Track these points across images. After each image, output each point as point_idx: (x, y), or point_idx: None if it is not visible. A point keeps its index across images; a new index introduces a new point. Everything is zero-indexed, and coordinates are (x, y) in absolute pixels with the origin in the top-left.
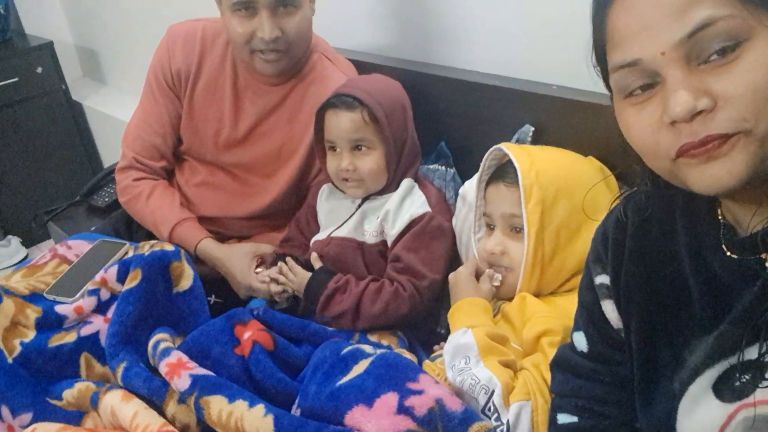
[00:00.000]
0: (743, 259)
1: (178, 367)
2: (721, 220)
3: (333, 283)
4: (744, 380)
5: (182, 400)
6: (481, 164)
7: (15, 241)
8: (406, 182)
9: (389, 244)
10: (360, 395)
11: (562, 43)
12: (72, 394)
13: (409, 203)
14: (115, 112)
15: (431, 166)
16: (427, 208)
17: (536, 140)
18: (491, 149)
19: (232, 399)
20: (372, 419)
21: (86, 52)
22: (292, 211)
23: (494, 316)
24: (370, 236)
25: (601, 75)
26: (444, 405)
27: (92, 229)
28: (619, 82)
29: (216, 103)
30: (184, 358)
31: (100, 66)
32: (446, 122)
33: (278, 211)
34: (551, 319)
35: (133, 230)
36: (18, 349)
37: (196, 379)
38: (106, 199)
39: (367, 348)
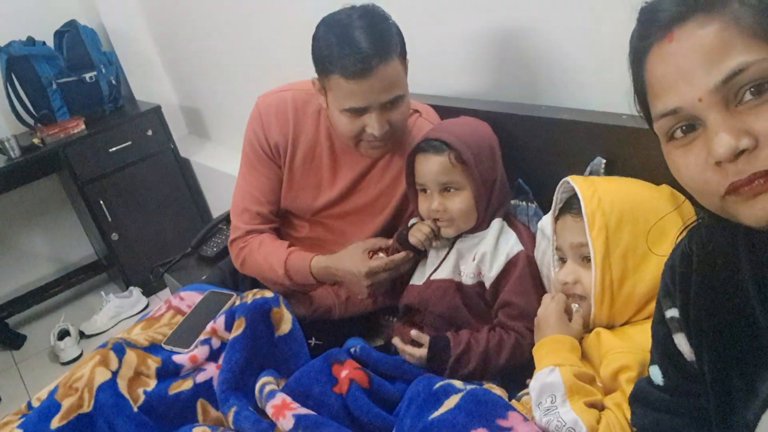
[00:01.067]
0: None
1: (283, 408)
2: None
3: (455, 349)
4: None
5: None
6: (554, 199)
7: (136, 291)
8: (497, 222)
9: (487, 285)
10: (452, 429)
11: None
12: None
13: (503, 243)
14: (219, 166)
15: (512, 202)
16: (521, 246)
17: (609, 171)
18: (560, 183)
19: None
20: None
21: (190, 112)
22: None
23: None
24: (467, 277)
25: (646, 119)
26: None
27: (202, 279)
28: (663, 128)
29: (314, 170)
30: (288, 399)
31: (203, 123)
32: (521, 159)
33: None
34: (626, 355)
35: (239, 279)
36: (142, 397)
37: (299, 419)
38: (215, 249)
39: (457, 383)
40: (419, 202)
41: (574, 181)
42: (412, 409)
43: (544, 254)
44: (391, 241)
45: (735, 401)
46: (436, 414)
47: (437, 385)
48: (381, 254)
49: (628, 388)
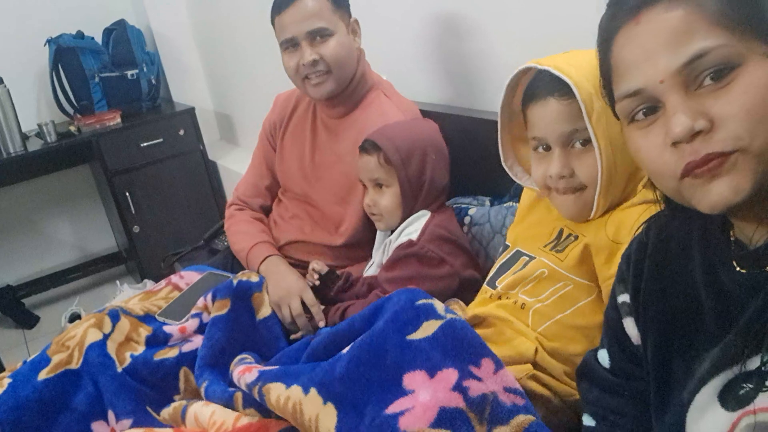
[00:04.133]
0: (750, 273)
1: (253, 368)
2: (732, 238)
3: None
4: (747, 388)
5: (249, 392)
6: (506, 87)
7: (150, 284)
8: (418, 214)
9: None
10: (426, 362)
11: None
12: (168, 411)
13: (405, 233)
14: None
15: (507, 204)
16: (414, 237)
17: None
18: (517, 70)
19: (288, 385)
20: (430, 388)
21: (224, 118)
22: (369, 244)
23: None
24: None
25: (609, 103)
26: (497, 397)
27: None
28: (625, 110)
29: (299, 142)
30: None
31: (234, 130)
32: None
33: (357, 242)
34: None
35: (236, 262)
36: (128, 360)
37: (261, 373)
38: (225, 243)
39: (439, 307)
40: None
41: (547, 65)
42: (392, 325)
43: None
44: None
45: (673, 383)
46: (414, 336)
47: (420, 302)
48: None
49: None
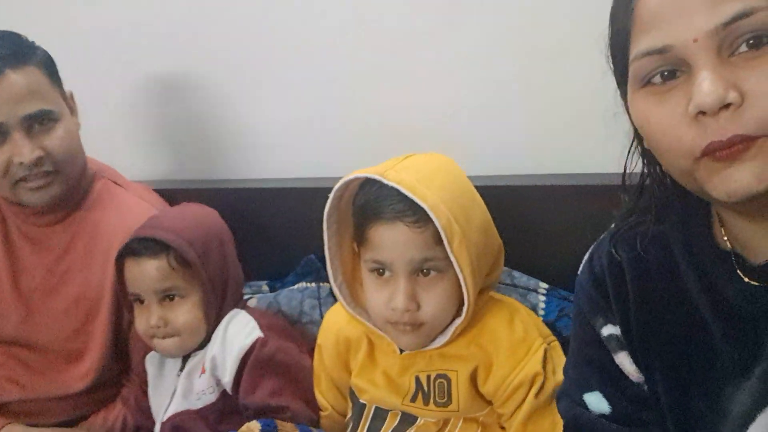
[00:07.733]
0: (764, 286)
1: None
2: (730, 247)
3: None
4: None
5: None
6: (333, 196)
7: None
8: (231, 314)
9: (232, 392)
10: None
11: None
12: None
13: (233, 336)
14: None
15: (297, 286)
16: (258, 333)
17: None
18: (344, 180)
19: None
20: None
21: None
22: (119, 378)
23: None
24: (206, 396)
25: (614, 65)
26: None
27: None
28: (640, 70)
29: None
30: None
31: None
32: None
33: (103, 382)
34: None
35: None
36: None
37: None
38: None
39: None
40: (136, 317)
41: (399, 183)
42: None
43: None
44: None
45: (695, 423)
46: None
47: None
48: None
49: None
